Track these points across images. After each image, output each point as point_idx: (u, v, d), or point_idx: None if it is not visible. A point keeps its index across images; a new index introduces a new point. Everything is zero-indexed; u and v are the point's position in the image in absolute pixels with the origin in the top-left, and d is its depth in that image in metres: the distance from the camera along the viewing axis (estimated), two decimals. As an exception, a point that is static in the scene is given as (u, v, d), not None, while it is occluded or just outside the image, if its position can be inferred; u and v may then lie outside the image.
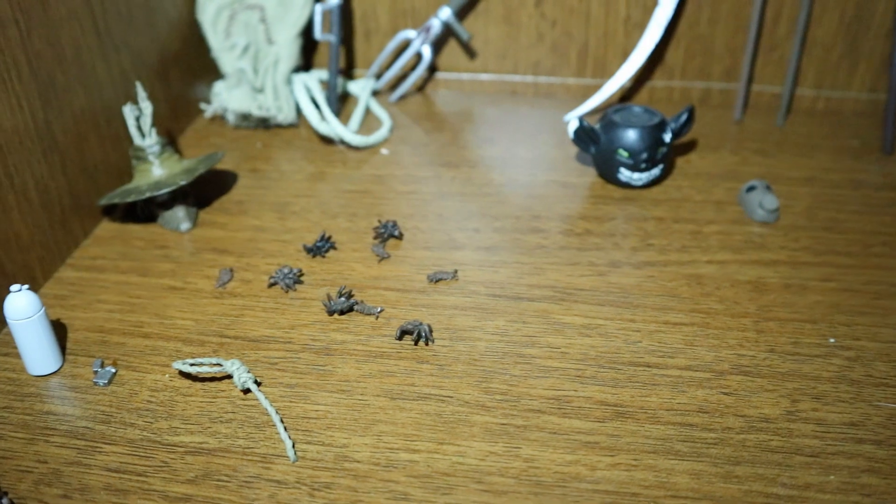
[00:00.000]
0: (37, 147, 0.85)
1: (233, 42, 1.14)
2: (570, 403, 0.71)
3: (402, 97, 1.26)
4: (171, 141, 1.01)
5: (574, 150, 1.11)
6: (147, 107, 0.93)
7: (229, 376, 0.74)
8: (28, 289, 0.73)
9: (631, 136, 0.98)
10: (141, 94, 0.93)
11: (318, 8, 1.12)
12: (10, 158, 0.81)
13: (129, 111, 0.93)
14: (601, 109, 1.20)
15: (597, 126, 1.00)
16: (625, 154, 0.98)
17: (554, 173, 1.06)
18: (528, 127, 1.17)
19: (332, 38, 1.13)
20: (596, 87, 1.23)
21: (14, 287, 0.71)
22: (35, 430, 0.70)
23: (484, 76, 1.28)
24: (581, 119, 0.99)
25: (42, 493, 0.64)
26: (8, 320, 0.71)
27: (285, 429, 0.68)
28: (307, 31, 1.19)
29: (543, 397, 0.72)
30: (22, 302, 0.71)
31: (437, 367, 0.75)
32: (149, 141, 0.93)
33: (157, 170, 0.92)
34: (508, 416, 0.70)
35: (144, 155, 0.93)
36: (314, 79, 1.14)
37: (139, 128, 0.94)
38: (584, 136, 1.00)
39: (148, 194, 0.88)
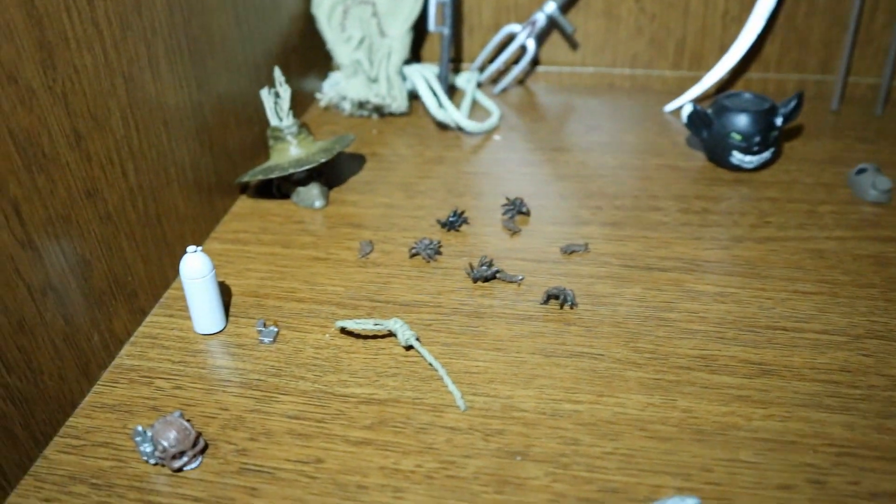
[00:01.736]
0: (192, 126, 0.90)
1: (348, 35, 1.19)
2: (716, 361, 0.75)
3: (505, 89, 1.30)
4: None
5: (678, 136, 1.15)
6: (285, 90, 0.98)
7: (390, 335, 0.78)
8: (201, 250, 0.77)
9: (744, 119, 1.01)
10: (279, 78, 0.98)
11: (433, 0, 1.17)
12: (173, 134, 0.86)
13: (266, 94, 0.98)
14: (700, 100, 1.23)
15: (709, 111, 1.04)
16: (738, 137, 1.01)
17: (663, 158, 1.09)
18: (629, 116, 1.21)
19: (445, 29, 1.18)
20: (691, 80, 1.27)
21: (190, 248, 0.76)
22: (212, 381, 0.74)
23: (583, 69, 1.32)
24: (695, 104, 1.03)
25: (229, 435, 0.69)
26: (183, 279, 0.76)
27: (452, 381, 0.72)
28: (417, 24, 1.24)
29: (690, 356, 0.75)
30: (197, 262, 0.76)
31: (584, 329, 0.78)
32: (287, 122, 0.98)
33: (295, 149, 0.97)
34: (660, 371, 0.74)
35: (283, 135, 0.98)
36: (430, 69, 1.19)
37: (276, 110, 0.99)
38: (698, 121, 1.03)
39: (291, 170, 0.93)
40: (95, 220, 0.74)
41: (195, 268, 0.75)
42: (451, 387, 0.71)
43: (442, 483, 0.63)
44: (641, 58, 1.28)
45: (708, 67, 1.25)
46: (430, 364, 0.74)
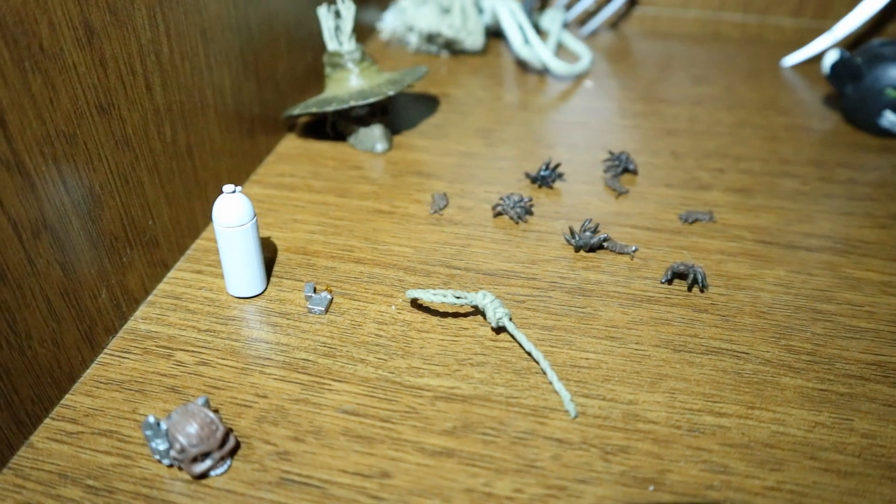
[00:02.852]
0: (235, 41, 0.72)
1: (420, -44, 1.00)
2: (897, 371, 0.56)
3: (594, 32, 1.11)
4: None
5: (804, 94, 0.96)
6: (349, 7, 0.80)
7: (475, 312, 0.61)
8: (241, 191, 0.60)
9: (904, 72, 0.82)
10: (342, -8, 0.80)
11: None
12: (212, 47, 0.68)
13: (325, 13, 0.81)
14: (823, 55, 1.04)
15: (859, 60, 0.84)
16: (894, 93, 0.82)
17: (790, 117, 0.91)
18: (741, 69, 1.02)
19: (535, -46, 0.99)
20: (814, 31, 1.08)
21: (227, 188, 0.59)
22: (247, 358, 0.57)
23: (685, 12, 1.13)
24: (843, 51, 0.83)
25: (268, 432, 0.52)
26: (217, 227, 0.59)
27: (557, 377, 0.55)
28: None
29: (862, 362, 0.57)
30: (236, 206, 0.59)
31: (720, 318, 0.61)
32: (348, 46, 0.80)
33: (356, 79, 0.80)
34: (825, 381, 0.56)
35: (342, 62, 0.80)
36: (513, 1, 1.00)
37: (336, 33, 0.81)
38: (845, 71, 0.84)
39: (352, 103, 0.75)
40: (109, 142, 0.57)
41: (233, 213, 0.58)
42: (558, 385, 0.53)
43: (551, 518, 0.46)
44: (756, 2, 1.09)
45: (835, 16, 1.06)
46: (529, 353, 0.56)
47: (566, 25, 1.12)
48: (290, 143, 0.85)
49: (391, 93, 0.77)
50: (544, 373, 0.56)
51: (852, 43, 1.07)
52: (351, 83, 0.80)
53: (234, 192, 0.60)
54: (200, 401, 0.50)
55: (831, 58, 0.85)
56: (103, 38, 0.56)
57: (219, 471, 0.50)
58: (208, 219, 0.71)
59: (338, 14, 0.82)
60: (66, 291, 0.55)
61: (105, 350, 0.59)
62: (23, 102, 0.49)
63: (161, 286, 0.65)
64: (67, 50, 0.52)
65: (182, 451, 0.48)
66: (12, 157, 0.48)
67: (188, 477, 0.50)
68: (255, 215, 0.61)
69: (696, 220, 0.72)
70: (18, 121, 0.49)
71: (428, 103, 0.92)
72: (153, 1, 0.61)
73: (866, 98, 0.85)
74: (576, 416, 0.53)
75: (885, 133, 0.86)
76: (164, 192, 0.64)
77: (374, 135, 0.81)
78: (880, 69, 0.84)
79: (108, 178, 0.58)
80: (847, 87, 0.86)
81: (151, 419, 0.49)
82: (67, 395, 0.56)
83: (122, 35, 0.57)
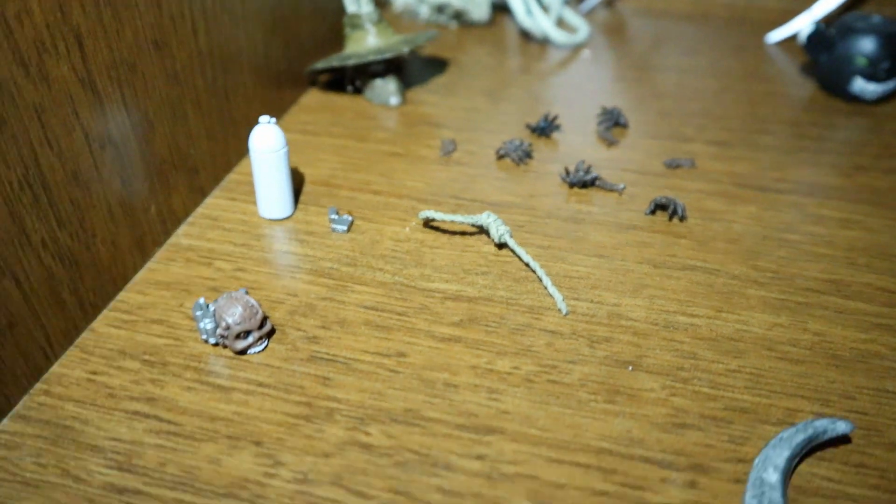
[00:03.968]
0: (266, 2, 0.81)
1: (432, -68, 1.09)
2: (849, 287, 0.65)
3: (591, 10, 1.20)
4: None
5: (786, 65, 1.04)
6: (369, -28, 0.88)
7: (480, 231, 0.69)
8: (276, 122, 0.68)
9: (872, 42, 0.91)
10: (362, -41, 0.89)
11: None
12: (247, 5, 0.77)
13: (346, -22, 0.89)
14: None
15: (832, 31, 0.93)
16: (863, 61, 0.90)
17: (769, 85, 0.99)
18: (728, 43, 1.11)
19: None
20: (797, 12, 1.16)
21: (263, 118, 0.67)
22: (278, 266, 0.66)
23: (677, -7, 1.21)
24: (818, 23, 0.92)
25: (298, 322, 0.60)
26: (253, 153, 0.68)
27: (552, 283, 0.63)
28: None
29: (819, 279, 0.66)
30: (271, 133, 0.67)
31: (696, 243, 0.69)
32: (367, 8, 0.89)
33: (374, 38, 0.88)
34: (785, 292, 0.64)
35: (361, 22, 0.89)
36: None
37: (356, -5, 0.90)
38: (818, 41, 0.93)
39: (371, 58, 0.84)
40: (162, 76, 0.65)
41: (268, 140, 0.67)
42: (552, 288, 0.62)
43: (544, 388, 0.55)
44: (743, -16, 1.17)
45: (817, -2, 1.14)
46: (527, 264, 0.65)
47: (566, 1, 1.20)
48: (312, 97, 0.93)
49: (406, 50, 0.86)
50: (540, 280, 0.65)
51: (829, 21, 1.16)
52: (369, 42, 0.89)
53: (269, 121, 0.68)
54: (242, 290, 0.59)
55: (807, 29, 0.94)
56: (160, -19, 0.64)
57: (258, 349, 0.58)
58: (241, 155, 0.79)
59: (358, -21, 0.90)
60: (123, 201, 0.63)
61: (153, 259, 0.68)
62: (96, 30, 0.58)
63: (199, 210, 0.74)
64: (131, -12, 0.61)
65: (227, 328, 0.57)
66: (87, 76, 0.57)
67: (231, 354, 0.58)
68: (286, 144, 0.69)
69: (678, 166, 0.81)
70: (93, 45, 0.57)
71: (438, 66, 1.01)
72: (200, -46, 0.69)
73: (838, 66, 0.93)
74: (567, 314, 0.62)
75: (855, 99, 0.95)
76: (204, 126, 0.73)
77: (389, 88, 0.89)
78: (851, 40, 0.92)
79: (160, 107, 0.66)
80: (821, 56, 0.95)
81: (202, 301, 0.57)
82: (122, 293, 0.64)
83: (174, -20, 0.66)
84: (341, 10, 0.97)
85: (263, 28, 0.80)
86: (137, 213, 0.65)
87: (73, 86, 0.55)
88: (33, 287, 0.54)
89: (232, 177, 0.78)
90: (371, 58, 0.84)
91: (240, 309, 0.56)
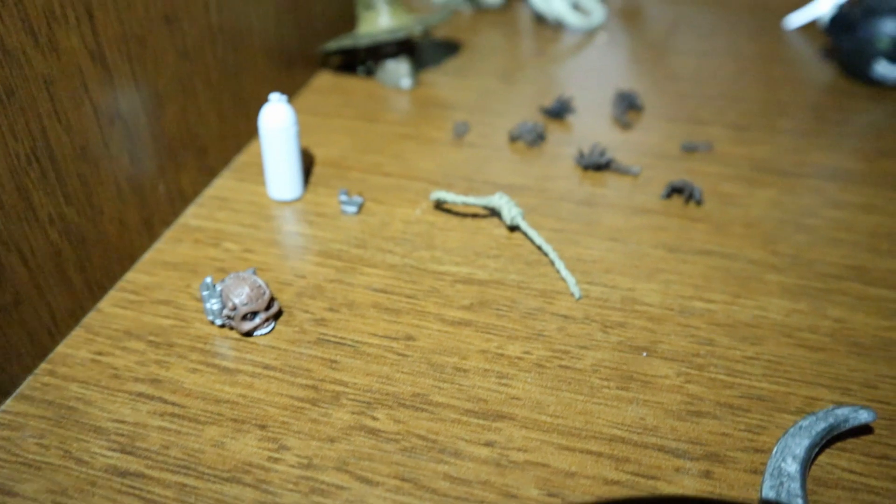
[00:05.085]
0: (278, -26, 0.79)
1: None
2: (870, 274, 0.63)
3: (609, -9, 1.18)
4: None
5: (805, 49, 1.02)
6: (382, -49, 0.87)
7: (492, 214, 0.68)
8: (287, 100, 0.67)
9: (895, 23, 0.88)
10: (375, -63, 0.87)
11: None
12: (258, -23, 0.75)
13: (359, -44, 0.87)
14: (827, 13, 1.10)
15: (854, 13, 0.91)
16: (886, 43, 0.88)
17: (789, 68, 0.97)
18: (747, 28, 1.09)
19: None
20: (820, -6, 1.13)
21: (274, 95, 0.66)
22: (287, 248, 0.65)
23: (696, -24, 1.19)
24: (840, 4, 0.90)
25: (306, 304, 0.59)
26: (263, 131, 0.66)
27: (564, 266, 0.62)
28: None
29: (839, 264, 0.64)
30: (281, 111, 0.66)
31: (712, 227, 0.68)
32: (380, -12, 0.87)
33: (387, 18, 0.87)
34: (804, 278, 0.63)
35: (374, 2, 0.87)
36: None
37: (369, -26, 0.88)
38: (841, 23, 0.91)
39: (383, 38, 0.83)
40: (172, 51, 0.64)
41: (278, 117, 0.66)
42: (564, 272, 0.60)
43: (555, 373, 0.53)
44: (764, -33, 1.15)
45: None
46: (539, 247, 0.63)
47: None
48: (324, 79, 0.92)
49: (419, 29, 0.84)
50: (553, 264, 0.63)
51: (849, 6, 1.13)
52: (381, 22, 0.87)
53: (280, 99, 0.67)
54: (250, 270, 0.58)
55: (829, 12, 0.91)
56: (169, -44, 0.63)
57: (264, 330, 0.57)
58: (251, 136, 0.78)
59: (371, -42, 0.89)
60: (132, 178, 0.62)
61: (160, 239, 0.67)
62: (106, 2, 0.56)
63: (208, 190, 0.73)
64: (139, -38, 0.60)
65: (234, 308, 0.56)
66: (96, 48, 0.56)
67: (237, 336, 0.57)
68: (297, 122, 0.68)
69: (695, 149, 0.79)
70: (103, 18, 0.56)
71: (450, 49, 0.99)
72: (210, -71, 0.68)
73: (860, 48, 0.91)
74: (580, 298, 0.60)
75: (877, 83, 0.93)
76: (214, 105, 0.72)
77: (401, 70, 0.88)
78: (874, 21, 0.90)
79: (170, 83, 0.65)
80: (843, 39, 0.92)
81: (209, 280, 0.56)
82: (129, 273, 0.63)
83: (184, -45, 0.65)
84: (353, -10, 0.96)
85: (276, 6, 0.79)
86: (146, 192, 0.64)
87: (83, 58, 0.54)
88: (39, 264, 0.53)
89: (241, 158, 0.77)
90: (383, 38, 0.83)
91: (247, 289, 0.55)
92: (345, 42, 0.85)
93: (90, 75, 0.55)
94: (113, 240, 0.60)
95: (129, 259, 0.63)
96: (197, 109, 0.69)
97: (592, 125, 0.83)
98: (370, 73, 0.90)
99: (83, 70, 0.54)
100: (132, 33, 0.59)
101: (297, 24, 0.84)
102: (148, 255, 0.65)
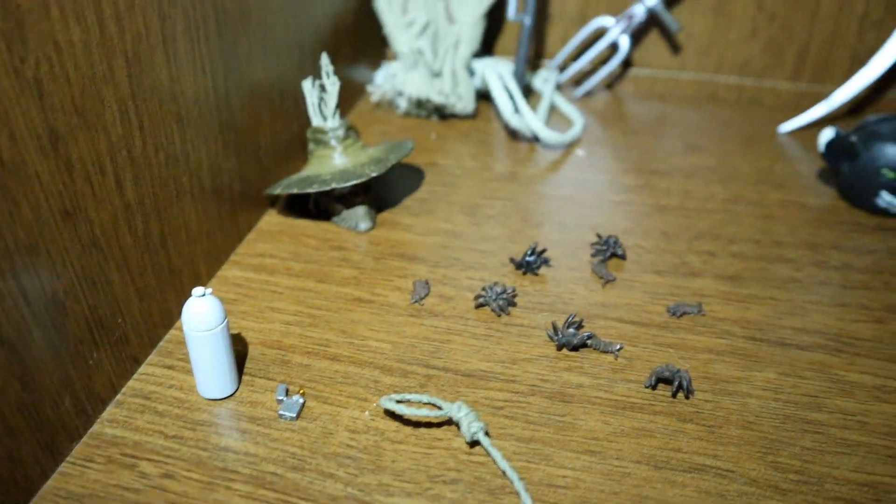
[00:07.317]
0: (215, 121, 0.71)
1: (410, 19, 0.99)
2: (890, 495, 0.54)
3: (588, 93, 1.10)
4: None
5: (800, 164, 0.94)
6: (333, 83, 0.78)
7: (449, 422, 0.58)
8: (212, 293, 0.58)
9: (900, 153, 0.80)
10: (326, 67, 0.79)
11: (517, -18, 0.97)
12: (189, 132, 0.67)
13: (310, 87, 0.79)
14: (823, 122, 1.02)
15: (854, 138, 0.82)
16: (891, 174, 0.80)
17: (785, 192, 0.89)
18: (737, 135, 1.00)
19: (527, 18, 0.98)
20: (811, 96, 1.06)
21: (197, 290, 0.57)
22: (213, 470, 0.55)
23: (680, 74, 1.11)
24: (838, 129, 0.82)
25: (229, 558, 0.50)
26: (186, 331, 0.57)
27: (531, 500, 0.52)
28: (493, 11, 1.04)
29: (853, 482, 0.55)
30: (205, 309, 0.57)
31: (705, 429, 0.58)
32: (332, 123, 0.79)
33: (340, 157, 0.78)
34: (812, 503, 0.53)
35: (326, 139, 0.78)
36: (504, 65, 0.99)
37: (321, 107, 0.79)
38: (840, 150, 0.82)
39: (333, 185, 0.74)
40: (75, 247, 0.55)
41: (202, 317, 0.57)
42: (532, 510, 0.51)
43: None
44: (753, 65, 1.07)
45: (834, 81, 1.04)
46: (503, 472, 0.54)
47: (559, 87, 1.10)
48: (272, 220, 0.83)
49: (374, 174, 0.75)
50: (519, 495, 0.54)
51: (848, 110, 1.05)
52: (334, 161, 0.78)
53: (203, 294, 0.58)
54: (157, 532, 0.48)
55: (826, 136, 0.83)
56: (69, 142, 0.54)
57: None
58: (182, 307, 0.69)
59: (323, 88, 0.80)
60: (25, 405, 0.53)
61: (69, 457, 0.57)
62: (-22, 220, 0.47)
63: (130, 383, 0.64)
64: (29, 159, 0.51)
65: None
66: (-35, 279, 0.47)
67: None
68: (225, 317, 0.59)
69: (684, 314, 0.70)
70: (-27, 240, 0.47)
71: (415, 175, 0.91)
72: (125, 94, 0.59)
73: (862, 178, 0.83)
74: (550, 546, 0.51)
75: (882, 212, 0.84)
76: (135, 288, 0.63)
77: (357, 214, 0.79)
78: (876, 148, 0.82)
79: (74, 283, 0.56)
80: (843, 166, 0.84)
81: (104, 555, 0.47)
82: (25, 511, 0.54)
83: (90, 135, 0.56)
84: (308, 114, 0.87)
85: (211, 153, 0.70)
86: (45, 412, 0.54)
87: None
88: None
89: (173, 334, 0.68)
90: (335, 184, 0.74)
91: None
92: (292, 187, 0.76)
93: (-42, 317, 0.46)
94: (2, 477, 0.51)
95: (23, 495, 0.53)
96: (112, 300, 0.60)
97: (569, 280, 0.74)
98: (324, 213, 0.81)
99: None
100: (17, 244, 0.50)
101: (239, 164, 0.75)
102: (50, 483, 0.55)
